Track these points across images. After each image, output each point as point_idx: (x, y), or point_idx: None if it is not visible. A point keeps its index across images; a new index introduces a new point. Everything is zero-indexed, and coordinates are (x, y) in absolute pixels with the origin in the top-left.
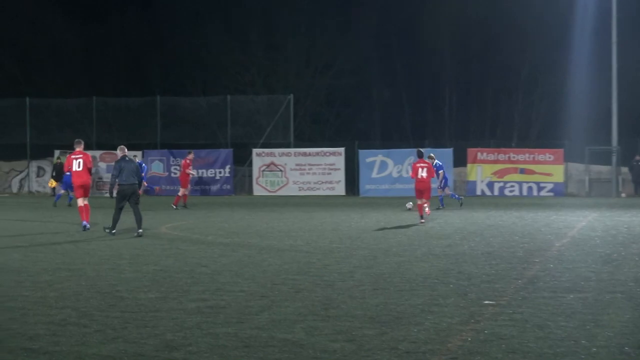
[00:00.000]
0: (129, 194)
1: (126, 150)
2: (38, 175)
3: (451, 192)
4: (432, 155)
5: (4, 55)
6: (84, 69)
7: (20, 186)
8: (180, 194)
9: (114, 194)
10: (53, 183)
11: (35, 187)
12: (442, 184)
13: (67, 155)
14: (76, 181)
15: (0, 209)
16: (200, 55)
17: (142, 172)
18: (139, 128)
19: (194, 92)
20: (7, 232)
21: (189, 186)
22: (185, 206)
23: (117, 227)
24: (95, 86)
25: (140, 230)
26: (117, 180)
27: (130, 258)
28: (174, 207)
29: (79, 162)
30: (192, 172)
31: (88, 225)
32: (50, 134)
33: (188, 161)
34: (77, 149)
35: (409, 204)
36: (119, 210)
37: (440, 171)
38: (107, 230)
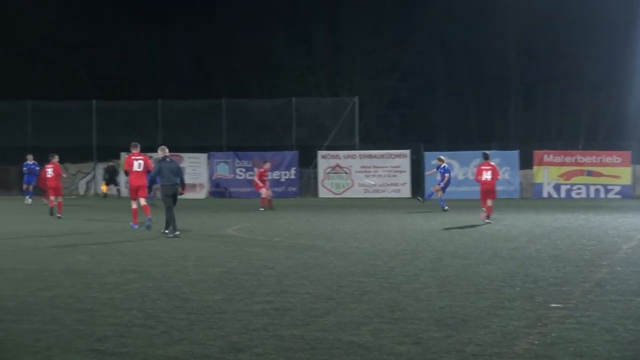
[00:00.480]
0: (171, 194)
1: (167, 150)
2: (104, 178)
3: (440, 198)
4: (441, 157)
5: (71, 59)
6: (148, 72)
7: (87, 188)
8: (264, 195)
9: (155, 194)
10: (105, 187)
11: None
12: (443, 186)
13: (127, 156)
14: (135, 182)
15: (67, 211)
16: (265, 58)
17: None
18: (204, 130)
19: (259, 95)
20: (74, 233)
21: (268, 190)
22: (271, 208)
23: (178, 227)
24: (159, 88)
25: (167, 231)
26: (157, 180)
27: (195, 260)
28: (262, 209)
29: (140, 163)
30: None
31: (143, 223)
32: (116, 136)
33: (263, 170)
34: (135, 151)
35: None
36: (169, 209)
37: (447, 174)
38: (171, 235)
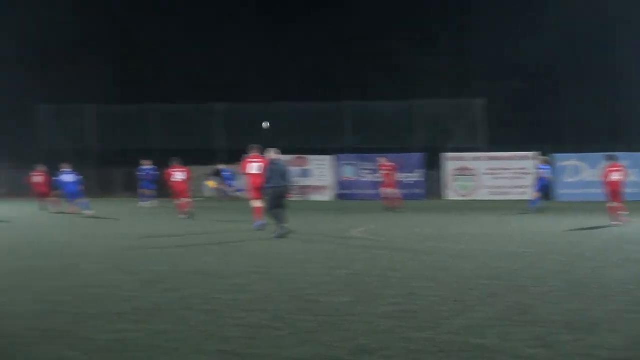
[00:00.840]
0: (278, 196)
1: (275, 153)
2: (210, 178)
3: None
4: (543, 156)
5: (193, 60)
6: (269, 73)
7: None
8: (388, 195)
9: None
10: (212, 184)
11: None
12: (541, 187)
13: (245, 159)
14: (255, 182)
15: (192, 213)
16: (388, 59)
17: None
18: (328, 132)
19: (382, 96)
20: (200, 235)
21: (393, 189)
22: (397, 208)
23: (292, 228)
24: (281, 90)
25: (280, 231)
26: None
27: (320, 262)
28: (389, 208)
29: (259, 166)
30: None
31: (262, 223)
32: (239, 139)
33: (383, 165)
34: (255, 154)
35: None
36: (273, 210)
37: (544, 173)
38: (279, 234)
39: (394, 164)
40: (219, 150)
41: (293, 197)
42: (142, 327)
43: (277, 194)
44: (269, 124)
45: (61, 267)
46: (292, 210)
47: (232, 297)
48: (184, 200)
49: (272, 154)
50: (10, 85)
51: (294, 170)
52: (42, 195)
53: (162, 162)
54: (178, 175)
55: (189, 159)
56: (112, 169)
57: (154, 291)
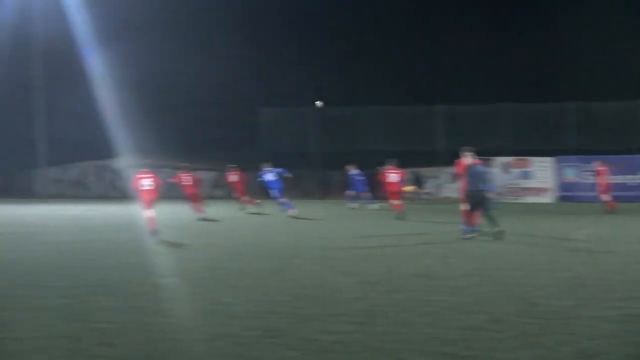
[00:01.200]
0: (477, 200)
1: (473, 156)
2: (451, 182)
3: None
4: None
5: (416, 61)
6: (489, 74)
7: (434, 191)
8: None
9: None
10: (411, 188)
11: (447, 193)
12: None
13: (460, 161)
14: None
15: (410, 214)
16: (611, 59)
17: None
18: (549, 134)
19: (605, 97)
20: (415, 236)
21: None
22: (613, 210)
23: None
24: (504, 91)
25: (494, 232)
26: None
27: (540, 264)
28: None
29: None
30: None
31: (472, 228)
32: (460, 140)
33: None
34: (468, 158)
35: None
36: (484, 214)
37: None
38: (493, 235)
39: (607, 167)
40: (439, 153)
41: (511, 199)
42: (362, 329)
43: (477, 198)
44: (322, 103)
45: (282, 268)
46: (512, 212)
47: (453, 299)
48: (397, 201)
49: (469, 158)
50: (233, 89)
51: (514, 172)
52: (239, 195)
53: (374, 165)
54: (393, 176)
55: (407, 161)
56: (330, 172)
57: (372, 293)
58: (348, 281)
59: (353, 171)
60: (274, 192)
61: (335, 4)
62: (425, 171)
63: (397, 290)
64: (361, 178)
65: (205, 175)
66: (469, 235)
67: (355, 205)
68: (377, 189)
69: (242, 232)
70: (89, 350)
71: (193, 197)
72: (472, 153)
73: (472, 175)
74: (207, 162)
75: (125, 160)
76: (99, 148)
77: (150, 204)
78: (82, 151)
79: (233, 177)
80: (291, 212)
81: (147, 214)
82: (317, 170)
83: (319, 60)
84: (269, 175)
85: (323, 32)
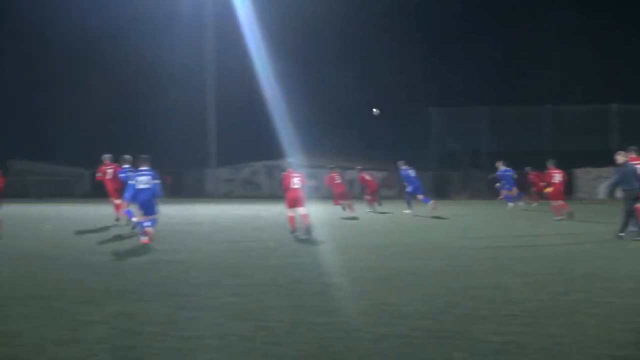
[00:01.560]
0: (632, 198)
1: (628, 154)
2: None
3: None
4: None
5: (588, 60)
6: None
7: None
8: None
9: (616, 196)
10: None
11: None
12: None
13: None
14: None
15: (584, 216)
16: None
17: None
18: None
19: None
20: (579, 235)
21: None
22: None
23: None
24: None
25: (621, 234)
26: (619, 185)
27: None
28: None
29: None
30: None
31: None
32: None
33: None
34: (636, 155)
35: None
36: (626, 213)
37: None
38: (620, 235)
39: None
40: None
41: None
42: (532, 330)
43: (630, 195)
44: (379, 111)
45: (452, 268)
46: None
47: (625, 301)
48: (559, 202)
49: (622, 156)
50: (404, 89)
51: None
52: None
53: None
54: (557, 176)
55: (587, 161)
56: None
57: (542, 293)
58: (517, 281)
59: (502, 168)
60: (414, 189)
61: (505, 3)
62: (600, 171)
63: (567, 292)
64: (508, 174)
65: (377, 176)
66: (620, 235)
67: (512, 205)
68: (527, 189)
69: (401, 231)
70: (260, 349)
71: (342, 196)
72: (624, 152)
73: (627, 173)
74: (378, 162)
75: (295, 160)
76: (269, 148)
77: (296, 203)
78: (253, 152)
79: (368, 176)
80: (431, 204)
81: (289, 213)
82: (486, 170)
83: (486, 61)
84: (409, 172)
85: (492, 33)
